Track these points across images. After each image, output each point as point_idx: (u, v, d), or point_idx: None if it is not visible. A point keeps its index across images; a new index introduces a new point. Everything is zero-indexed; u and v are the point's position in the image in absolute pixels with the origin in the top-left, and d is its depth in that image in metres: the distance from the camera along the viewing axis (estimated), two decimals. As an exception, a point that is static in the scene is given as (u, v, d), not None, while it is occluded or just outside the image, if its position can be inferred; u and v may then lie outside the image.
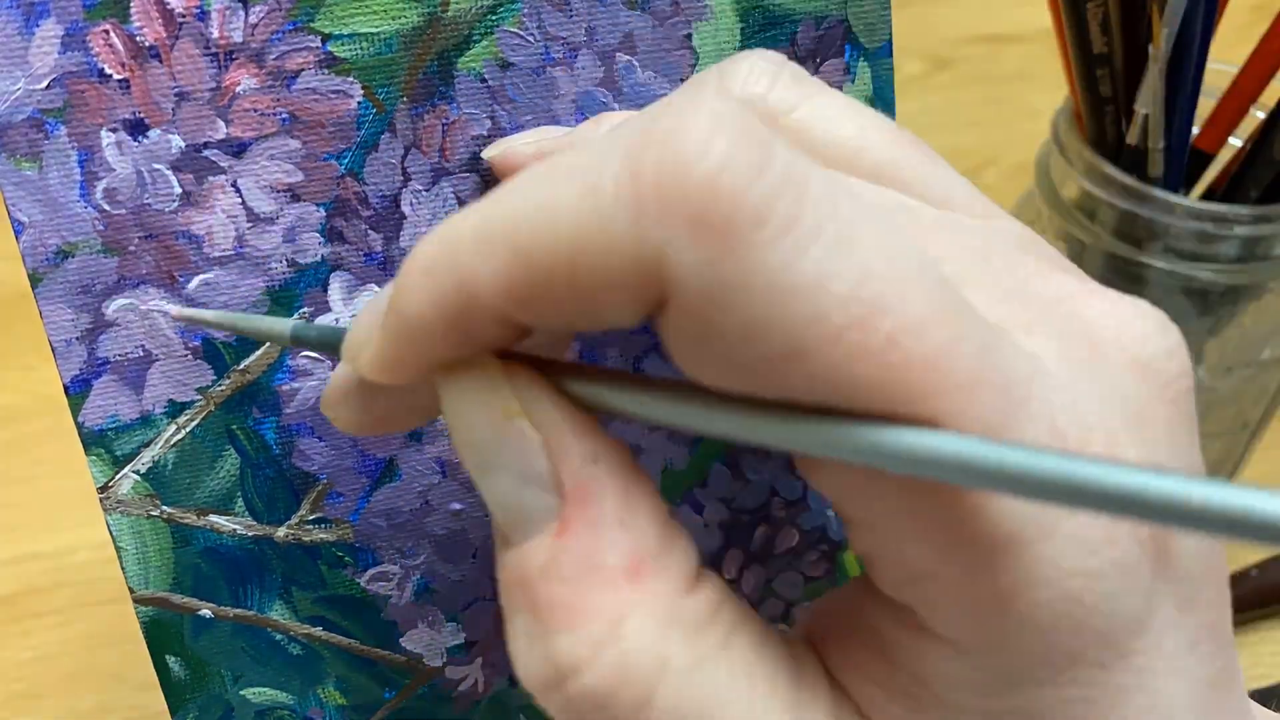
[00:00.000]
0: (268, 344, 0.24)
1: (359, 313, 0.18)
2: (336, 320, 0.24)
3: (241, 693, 0.26)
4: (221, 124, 0.22)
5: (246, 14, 0.22)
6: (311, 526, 0.25)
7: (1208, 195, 0.36)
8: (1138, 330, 0.17)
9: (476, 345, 0.16)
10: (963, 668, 0.16)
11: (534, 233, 0.14)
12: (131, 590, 0.25)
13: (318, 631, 0.26)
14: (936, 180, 0.19)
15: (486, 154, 0.24)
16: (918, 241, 0.16)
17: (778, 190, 0.13)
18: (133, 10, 0.22)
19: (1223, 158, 0.36)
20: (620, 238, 0.14)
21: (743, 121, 0.14)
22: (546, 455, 0.16)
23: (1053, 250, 0.19)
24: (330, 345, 0.20)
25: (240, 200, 0.23)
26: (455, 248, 0.15)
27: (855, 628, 0.18)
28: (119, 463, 0.24)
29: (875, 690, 0.17)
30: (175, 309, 0.22)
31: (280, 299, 0.24)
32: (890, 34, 0.25)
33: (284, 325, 0.21)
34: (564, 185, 0.14)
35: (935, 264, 0.14)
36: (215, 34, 0.22)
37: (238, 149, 0.23)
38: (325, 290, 0.24)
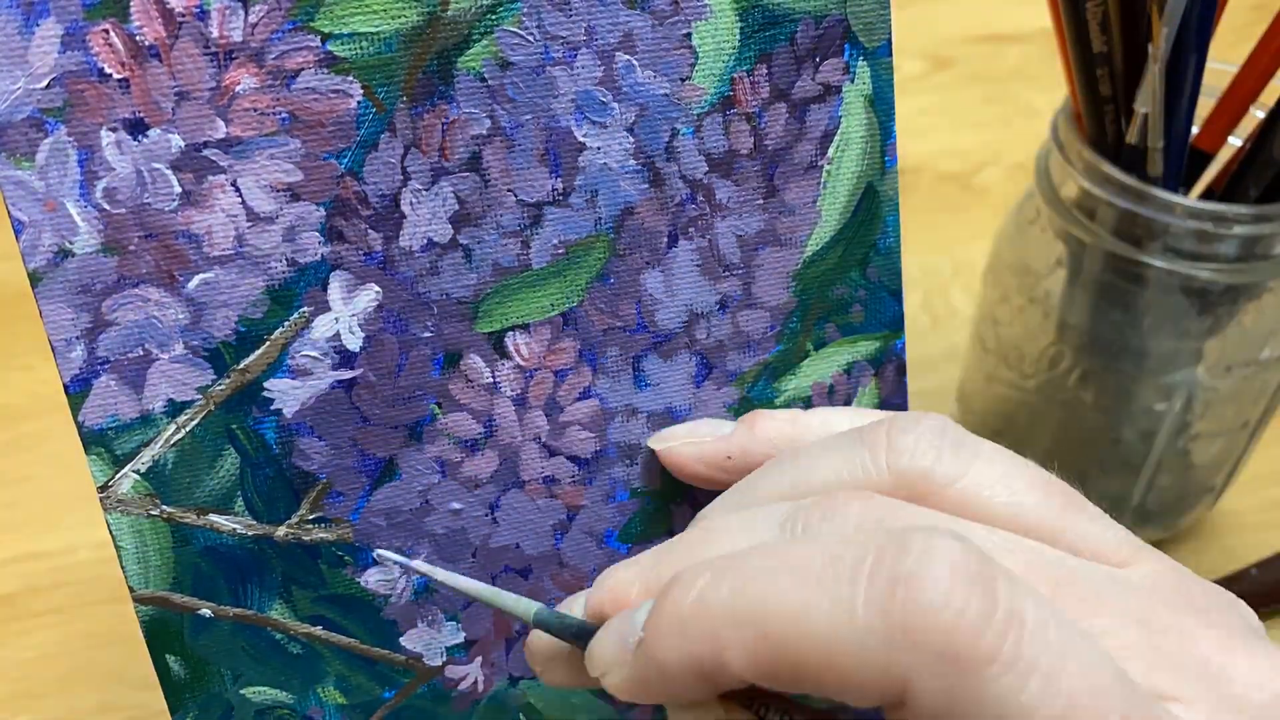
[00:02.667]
0: (268, 343, 0.24)
1: (607, 626, 0.21)
2: (336, 320, 0.24)
3: (241, 692, 0.26)
4: (221, 123, 0.23)
5: (246, 13, 0.22)
6: (311, 526, 0.25)
7: (1207, 195, 0.36)
8: (1277, 688, 0.19)
9: (714, 692, 0.20)
10: None
11: (786, 630, 0.18)
12: (131, 589, 0.25)
13: (317, 631, 0.26)
14: (1087, 533, 0.21)
15: (652, 443, 0.27)
16: (1092, 627, 0.19)
17: (1004, 631, 0.17)
18: (132, 9, 0.22)
19: (1222, 157, 0.36)
20: (871, 656, 0.17)
21: (976, 569, 0.17)
22: None
23: (1198, 590, 0.21)
24: (571, 638, 0.22)
25: (240, 199, 0.23)
26: (711, 617, 0.19)
27: None
28: (119, 462, 0.24)
29: None
30: (421, 565, 0.24)
31: (280, 298, 0.24)
32: (890, 33, 0.25)
33: (528, 607, 0.23)
34: (817, 596, 0.18)
35: (1122, 674, 0.17)
36: (215, 33, 0.22)
37: (237, 148, 0.23)
38: (325, 289, 0.24)
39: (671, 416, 0.27)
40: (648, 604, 0.20)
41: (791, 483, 0.23)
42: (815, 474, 0.23)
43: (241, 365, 0.24)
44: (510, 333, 0.25)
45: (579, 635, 0.22)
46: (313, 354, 0.24)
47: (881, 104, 0.26)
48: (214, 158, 0.23)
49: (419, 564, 0.23)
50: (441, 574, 0.23)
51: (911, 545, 0.17)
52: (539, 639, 0.24)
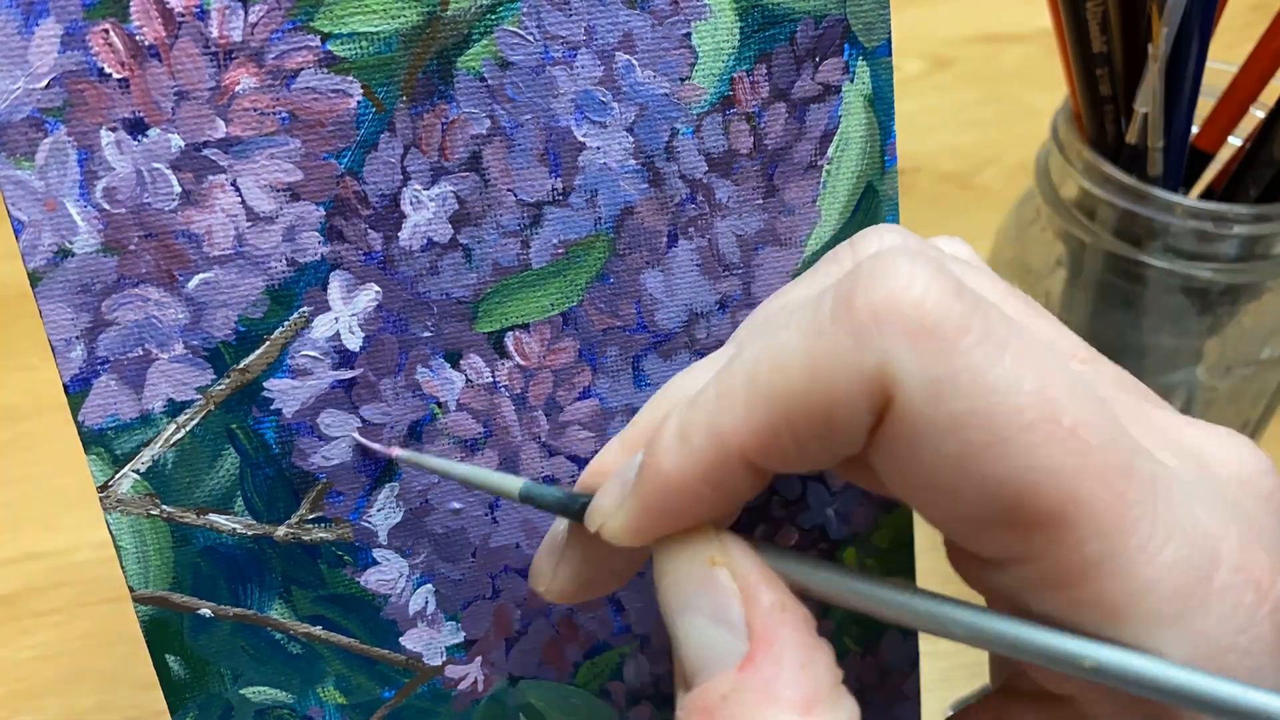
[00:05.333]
0: (268, 343, 0.24)
1: (604, 487, 0.20)
2: (336, 319, 0.24)
3: (241, 692, 0.26)
4: (221, 123, 0.23)
5: (246, 13, 0.22)
6: (311, 526, 0.25)
7: (1207, 194, 0.36)
8: (1234, 453, 0.20)
9: (727, 499, 0.19)
10: None
11: (770, 374, 0.18)
12: (131, 589, 0.25)
13: (317, 630, 0.26)
14: (1043, 331, 0.21)
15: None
16: None
17: (972, 309, 0.17)
18: (132, 9, 0.22)
19: (1222, 157, 0.36)
20: (847, 357, 0.17)
21: (935, 264, 0.17)
22: (740, 602, 0.19)
23: (1145, 389, 0.21)
24: (564, 509, 0.22)
25: (240, 199, 0.23)
26: (703, 410, 0.18)
27: None
28: (119, 462, 0.24)
29: None
30: (400, 452, 0.24)
31: (280, 298, 0.24)
32: (889, 33, 0.25)
33: (514, 483, 0.23)
34: (784, 333, 0.18)
35: (1087, 381, 0.17)
36: (215, 33, 0.22)
37: (237, 148, 0.23)
38: (325, 289, 0.24)
39: (671, 416, 0.27)
40: (639, 455, 0.20)
41: (758, 324, 0.23)
42: (786, 301, 0.23)
43: (241, 365, 0.24)
44: (510, 332, 0.25)
45: (568, 505, 0.22)
46: (312, 354, 0.24)
47: (881, 104, 0.26)
48: (214, 157, 0.23)
49: (399, 451, 0.24)
50: (420, 458, 0.24)
51: (865, 264, 0.17)
52: (540, 553, 0.23)
